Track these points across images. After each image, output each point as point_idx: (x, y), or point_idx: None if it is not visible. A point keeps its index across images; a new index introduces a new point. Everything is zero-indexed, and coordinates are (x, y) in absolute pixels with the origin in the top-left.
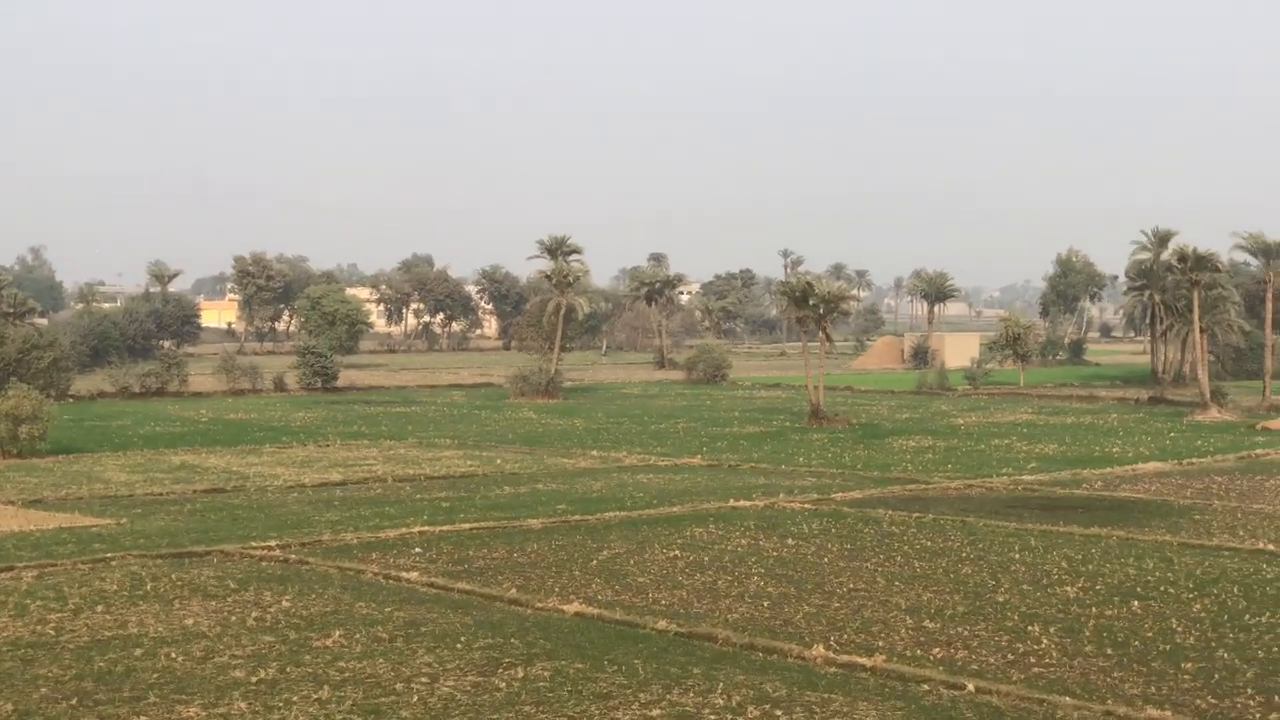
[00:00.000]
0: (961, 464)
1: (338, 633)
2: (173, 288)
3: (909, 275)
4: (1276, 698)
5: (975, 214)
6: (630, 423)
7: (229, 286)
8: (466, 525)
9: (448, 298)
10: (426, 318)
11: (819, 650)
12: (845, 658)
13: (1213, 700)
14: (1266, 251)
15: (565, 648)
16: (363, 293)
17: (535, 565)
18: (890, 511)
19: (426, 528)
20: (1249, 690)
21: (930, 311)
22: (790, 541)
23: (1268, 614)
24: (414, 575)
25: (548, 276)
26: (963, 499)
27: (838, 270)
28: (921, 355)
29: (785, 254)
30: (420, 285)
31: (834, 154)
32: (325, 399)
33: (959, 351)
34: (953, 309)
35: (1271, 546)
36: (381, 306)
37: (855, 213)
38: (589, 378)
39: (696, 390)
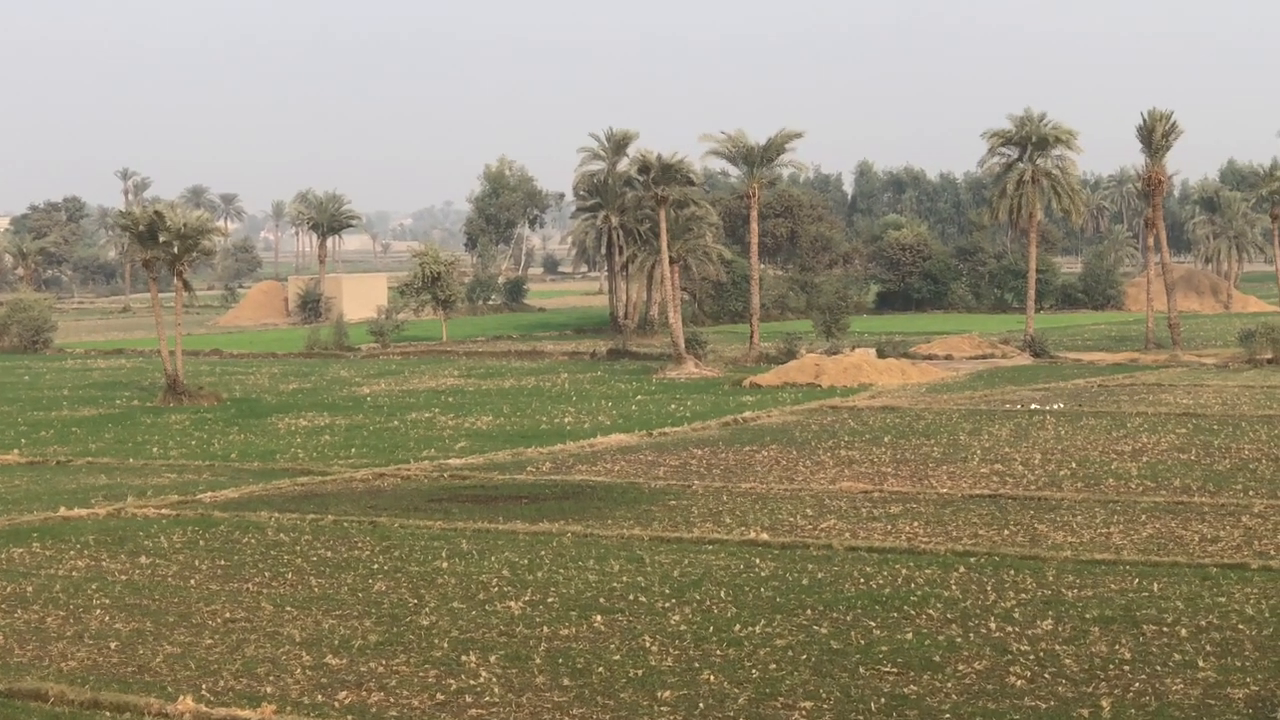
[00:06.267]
0: (369, 447)
1: None
2: None
3: (292, 199)
4: None
5: (378, 112)
6: None
7: None
8: None
9: None
10: None
11: (186, 703)
12: (222, 711)
13: None
14: (749, 157)
15: None
16: None
17: None
18: (277, 514)
19: None
20: (741, 719)
21: (322, 247)
22: (144, 560)
23: (762, 622)
24: None
25: None
26: (372, 493)
27: (197, 195)
28: (312, 305)
29: (125, 174)
30: None
31: (180, 45)
32: None
33: (362, 298)
34: (352, 243)
35: (765, 536)
36: None
37: (216, 118)
38: None
39: (9, 362)
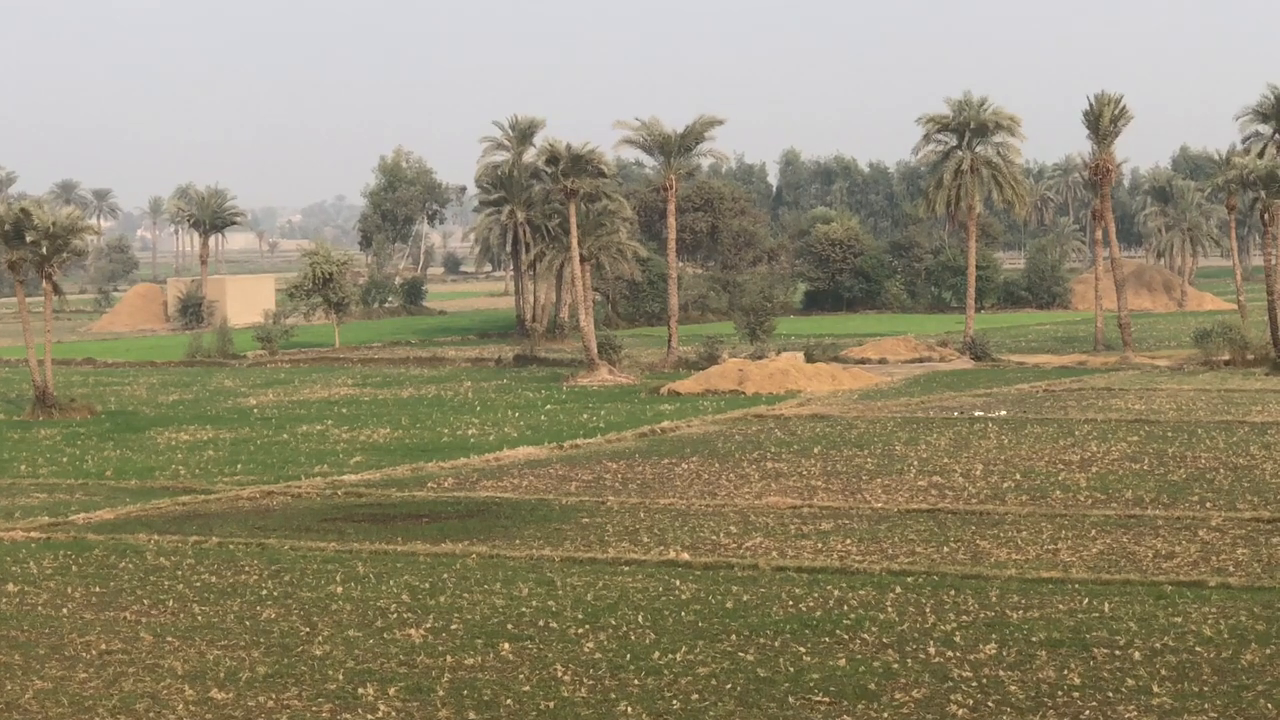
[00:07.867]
0: (256, 462)
1: None
2: None
3: (171, 194)
4: None
5: (264, 101)
6: None
7: None
8: None
9: None
10: None
11: None
12: None
13: None
14: (666, 146)
15: None
16: None
17: None
18: (157, 536)
19: None
20: None
21: (204, 246)
22: (12, 588)
23: (684, 648)
24: None
25: None
26: (260, 512)
27: (67, 191)
28: (194, 309)
29: None
30: None
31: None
32: None
33: (248, 302)
34: (237, 241)
35: (686, 555)
36: None
37: (87, 107)
38: None
39: None
